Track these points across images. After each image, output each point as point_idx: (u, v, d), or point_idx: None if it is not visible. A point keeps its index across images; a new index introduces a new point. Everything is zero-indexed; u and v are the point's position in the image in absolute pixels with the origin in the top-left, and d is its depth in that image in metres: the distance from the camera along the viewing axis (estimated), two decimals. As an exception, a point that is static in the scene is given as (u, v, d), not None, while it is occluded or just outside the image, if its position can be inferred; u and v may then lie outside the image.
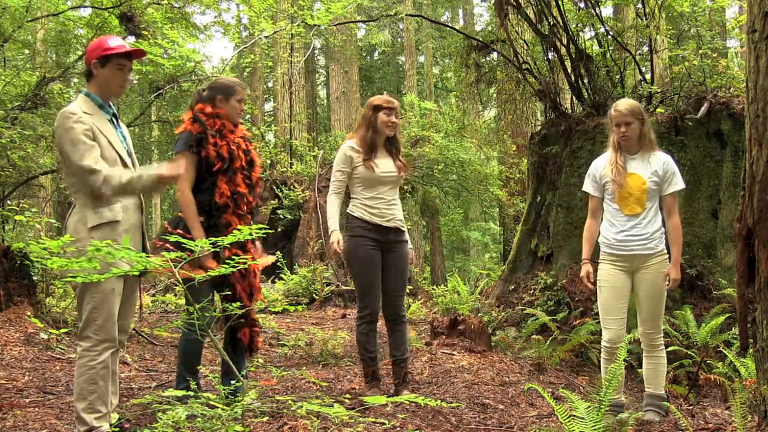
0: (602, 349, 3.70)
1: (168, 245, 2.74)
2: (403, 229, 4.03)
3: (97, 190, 2.69)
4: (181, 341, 3.49)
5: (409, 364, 4.18)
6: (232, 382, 2.80)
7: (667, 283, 3.53)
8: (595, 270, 3.73)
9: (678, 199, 3.72)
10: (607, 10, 10.89)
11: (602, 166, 3.70)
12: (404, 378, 3.97)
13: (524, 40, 8.28)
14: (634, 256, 3.56)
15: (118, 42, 2.92)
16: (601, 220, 3.76)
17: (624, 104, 3.62)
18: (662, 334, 3.68)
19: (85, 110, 2.81)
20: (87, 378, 2.68)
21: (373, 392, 3.84)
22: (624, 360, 3.13)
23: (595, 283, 3.70)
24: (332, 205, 4.04)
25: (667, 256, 3.60)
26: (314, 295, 8.63)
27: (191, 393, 2.57)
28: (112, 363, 2.94)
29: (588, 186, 3.78)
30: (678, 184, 3.63)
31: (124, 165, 2.88)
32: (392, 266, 3.93)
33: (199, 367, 3.29)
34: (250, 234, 2.59)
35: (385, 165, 3.99)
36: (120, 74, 2.90)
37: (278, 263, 8.14)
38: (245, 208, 3.45)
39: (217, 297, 3.49)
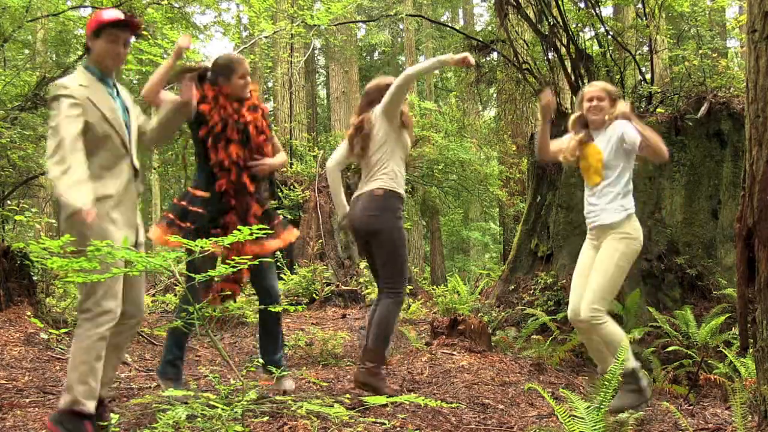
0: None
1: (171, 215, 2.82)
2: None
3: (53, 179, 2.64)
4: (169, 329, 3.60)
5: (388, 356, 3.99)
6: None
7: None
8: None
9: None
10: (607, 10, 10.89)
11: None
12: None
13: (524, 40, 8.29)
14: (596, 227, 3.60)
15: (112, 14, 2.87)
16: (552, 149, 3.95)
17: (600, 82, 3.83)
18: (603, 313, 3.45)
19: (81, 83, 2.77)
20: (82, 348, 2.65)
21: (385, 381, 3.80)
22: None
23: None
24: None
25: (629, 235, 3.51)
26: (314, 295, 8.63)
27: (190, 393, 2.57)
28: (122, 344, 2.95)
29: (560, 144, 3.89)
30: (633, 135, 3.51)
31: (121, 139, 2.83)
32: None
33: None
34: (251, 234, 2.59)
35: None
36: (113, 46, 2.84)
37: (278, 263, 8.14)
38: (242, 178, 3.47)
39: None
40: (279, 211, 10.31)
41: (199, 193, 3.45)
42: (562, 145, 3.87)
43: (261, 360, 3.62)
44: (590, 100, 3.66)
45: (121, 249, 2.43)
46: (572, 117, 3.84)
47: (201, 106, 3.43)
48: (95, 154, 2.76)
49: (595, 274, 3.52)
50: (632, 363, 3.52)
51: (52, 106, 2.71)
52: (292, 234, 3.73)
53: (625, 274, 3.57)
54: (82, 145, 2.67)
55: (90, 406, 2.68)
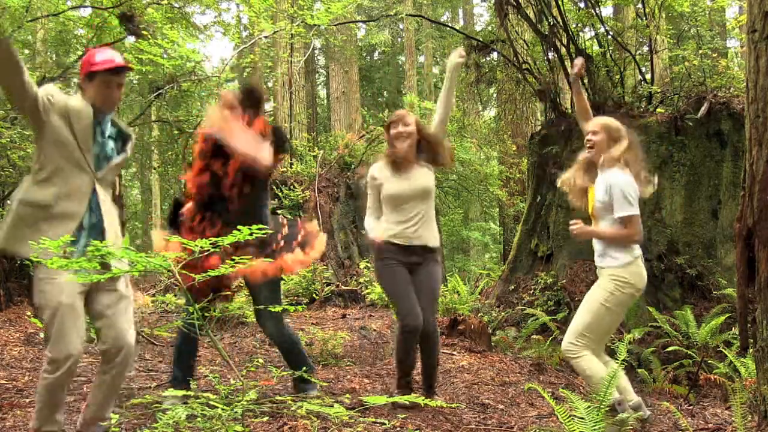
0: None
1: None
2: (431, 247, 3.77)
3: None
4: (178, 339, 3.55)
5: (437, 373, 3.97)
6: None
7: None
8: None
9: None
10: (607, 10, 10.88)
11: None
12: (432, 386, 3.85)
13: (524, 40, 8.29)
14: (598, 268, 3.45)
15: (105, 56, 2.81)
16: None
17: (599, 118, 3.58)
18: (580, 348, 3.27)
19: (71, 100, 2.74)
20: (43, 387, 2.64)
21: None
22: (624, 360, 3.13)
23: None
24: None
25: (624, 279, 3.29)
26: (314, 295, 8.62)
27: (190, 393, 2.57)
28: (116, 381, 2.83)
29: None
30: (620, 209, 3.28)
31: (83, 155, 2.73)
32: (417, 283, 3.72)
33: (196, 366, 3.30)
34: (251, 234, 2.58)
35: (406, 182, 3.74)
36: (107, 90, 2.80)
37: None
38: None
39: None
40: (279, 211, 10.31)
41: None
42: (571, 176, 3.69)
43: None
44: (587, 133, 3.51)
45: (122, 248, 2.43)
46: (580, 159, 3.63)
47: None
48: (52, 157, 2.69)
49: (580, 308, 3.36)
50: (616, 395, 3.26)
51: None
52: (296, 263, 3.55)
53: (616, 318, 3.34)
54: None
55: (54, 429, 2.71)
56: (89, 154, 2.78)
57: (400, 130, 3.71)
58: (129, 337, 2.76)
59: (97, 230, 2.75)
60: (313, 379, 3.58)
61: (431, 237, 3.75)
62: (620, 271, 3.29)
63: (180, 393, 2.93)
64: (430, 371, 3.82)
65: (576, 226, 3.36)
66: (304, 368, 3.55)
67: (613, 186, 3.28)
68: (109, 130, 2.89)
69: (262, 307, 3.45)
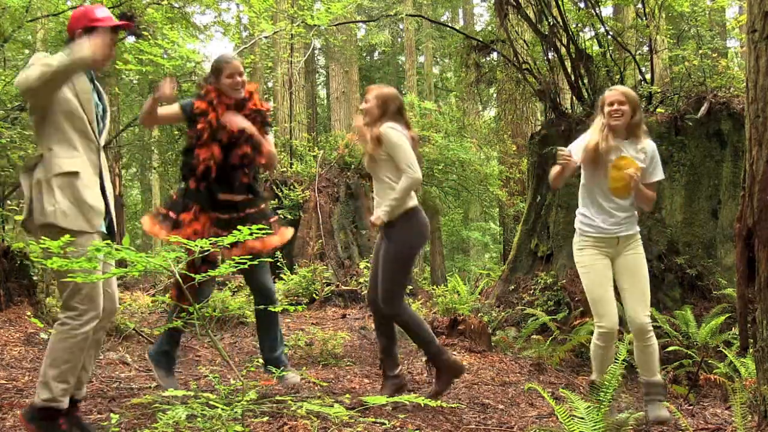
0: (597, 338, 3.51)
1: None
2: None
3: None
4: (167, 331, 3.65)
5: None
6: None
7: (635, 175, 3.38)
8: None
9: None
10: (607, 10, 10.89)
11: (589, 140, 3.56)
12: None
13: (524, 40, 8.29)
14: (618, 238, 3.51)
15: (105, 13, 2.82)
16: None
17: (620, 87, 3.67)
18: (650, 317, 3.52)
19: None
20: (66, 346, 2.62)
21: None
22: (624, 360, 3.13)
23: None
24: None
25: (639, 233, 3.60)
26: (314, 295, 8.62)
27: (190, 393, 2.57)
28: (100, 339, 2.94)
29: (573, 150, 3.60)
30: (659, 173, 3.59)
31: (90, 124, 2.77)
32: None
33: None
34: (251, 234, 2.59)
35: None
36: (104, 48, 2.76)
37: (278, 263, 8.14)
38: (222, 179, 3.52)
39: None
40: (279, 211, 10.31)
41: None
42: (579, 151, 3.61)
43: (261, 359, 3.62)
44: (611, 104, 3.51)
45: (121, 249, 2.43)
46: (597, 123, 3.59)
47: (197, 103, 3.53)
48: (65, 131, 2.70)
49: (640, 281, 3.47)
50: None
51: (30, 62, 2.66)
52: (288, 232, 3.74)
53: None
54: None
55: (65, 403, 2.67)
56: (93, 123, 2.80)
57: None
58: (117, 296, 2.95)
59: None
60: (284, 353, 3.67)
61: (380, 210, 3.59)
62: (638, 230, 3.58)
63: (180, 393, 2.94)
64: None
65: (632, 170, 3.40)
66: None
67: (655, 152, 3.53)
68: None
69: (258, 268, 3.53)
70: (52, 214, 2.62)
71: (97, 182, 2.79)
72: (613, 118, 3.49)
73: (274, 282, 8.96)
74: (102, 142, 2.86)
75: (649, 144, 3.56)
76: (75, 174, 2.68)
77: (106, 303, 2.85)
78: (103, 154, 2.87)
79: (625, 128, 3.52)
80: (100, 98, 2.92)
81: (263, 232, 2.65)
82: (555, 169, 3.60)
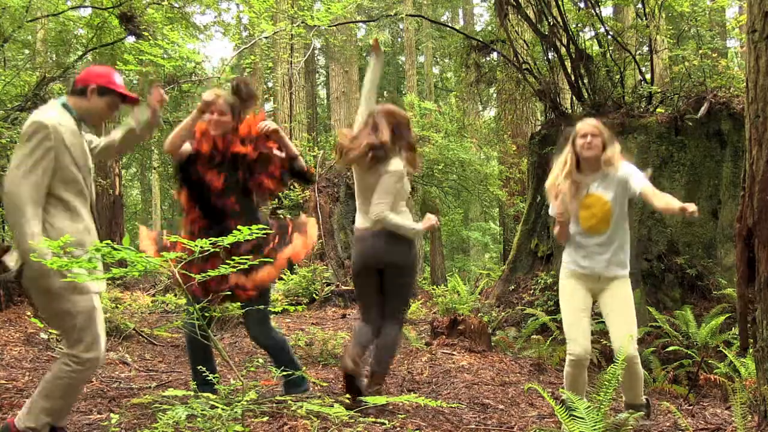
0: (567, 364, 3.48)
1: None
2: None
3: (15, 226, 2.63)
4: (186, 340, 3.56)
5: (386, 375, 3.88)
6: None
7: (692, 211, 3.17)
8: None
9: (677, 198, 3.60)
10: (607, 10, 10.89)
11: (556, 186, 3.49)
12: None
13: (524, 40, 8.29)
14: (598, 276, 3.44)
15: (121, 81, 2.92)
16: None
17: (592, 120, 3.53)
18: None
19: (60, 122, 2.70)
20: (63, 386, 2.65)
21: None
22: (624, 360, 3.12)
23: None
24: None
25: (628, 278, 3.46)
26: (314, 295, 8.63)
27: (190, 393, 2.57)
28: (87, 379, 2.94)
29: (552, 211, 3.57)
30: (643, 181, 3.37)
31: (86, 184, 2.78)
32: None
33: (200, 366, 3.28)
34: (251, 234, 2.58)
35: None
36: (110, 111, 2.87)
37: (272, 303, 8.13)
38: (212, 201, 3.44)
39: None
40: (279, 211, 10.29)
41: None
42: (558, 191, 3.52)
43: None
44: (584, 136, 3.41)
45: (121, 249, 2.43)
46: (562, 158, 3.49)
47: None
48: (63, 197, 2.70)
49: (624, 311, 3.40)
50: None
51: (31, 139, 2.62)
52: (301, 243, 3.51)
53: None
54: (44, 192, 2.64)
55: None
56: (88, 180, 2.82)
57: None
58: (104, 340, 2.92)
59: None
60: (305, 376, 3.54)
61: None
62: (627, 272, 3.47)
63: (180, 393, 2.93)
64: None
65: (693, 207, 3.21)
66: (297, 371, 3.47)
67: (628, 171, 3.38)
68: None
69: (262, 307, 3.43)
70: (50, 278, 2.66)
71: (94, 237, 2.80)
72: (586, 150, 3.40)
73: (274, 282, 8.98)
74: (93, 194, 2.88)
75: (623, 168, 3.39)
76: (81, 243, 2.70)
77: None
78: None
79: (597, 160, 3.42)
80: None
81: (249, 263, 2.64)
82: (556, 229, 3.53)
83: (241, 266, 2.62)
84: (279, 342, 3.55)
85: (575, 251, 3.51)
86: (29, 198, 2.58)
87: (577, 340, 3.42)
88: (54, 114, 2.72)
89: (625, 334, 3.32)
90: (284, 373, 3.30)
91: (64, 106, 2.80)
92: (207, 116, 3.42)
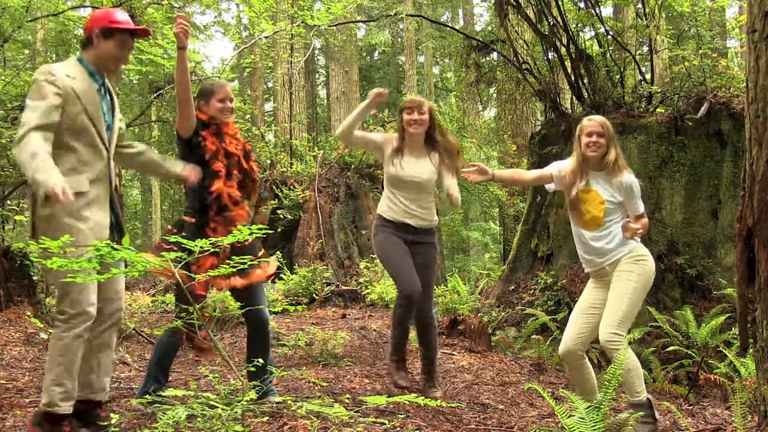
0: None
1: (171, 246, 2.78)
2: (429, 229, 3.95)
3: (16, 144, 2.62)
4: (162, 339, 3.46)
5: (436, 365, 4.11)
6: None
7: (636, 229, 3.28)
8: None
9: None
10: (607, 10, 10.89)
11: (564, 170, 3.56)
12: (432, 377, 4.03)
13: (524, 40, 8.29)
14: (605, 267, 3.43)
15: (125, 17, 2.84)
16: (530, 179, 3.83)
17: (598, 117, 3.55)
18: (622, 338, 3.28)
19: (68, 73, 2.71)
20: (57, 350, 2.65)
21: (399, 374, 3.90)
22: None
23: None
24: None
25: (642, 257, 3.39)
26: (314, 295, 8.62)
27: (190, 393, 2.57)
28: (110, 341, 2.94)
29: (550, 167, 3.64)
30: (639, 208, 3.41)
31: (100, 136, 2.77)
32: (417, 264, 3.86)
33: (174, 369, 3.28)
34: (251, 233, 2.58)
35: (413, 167, 3.87)
36: (120, 50, 2.81)
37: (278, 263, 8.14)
38: (235, 212, 3.39)
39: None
40: (279, 211, 10.29)
41: (188, 219, 3.40)
42: (552, 172, 3.62)
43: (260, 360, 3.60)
44: (589, 135, 3.41)
45: (121, 249, 2.42)
46: (575, 155, 3.52)
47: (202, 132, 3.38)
48: (72, 147, 2.71)
49: (615, 298, 3.32)
50: (646, 393, 3.37)
51: (33, 89, 2.65)
52: (272, 266, 3.57)
53: (640, 302, 3.38)
54: (52, 136, 2.63)
55: (66, 407, 2.68)
56: (103, 132, 2.80)
57: (415, 117, 3.85)
58: (122, 297, 2.98)
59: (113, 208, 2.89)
60: (273, 371, 3.47)
61: (427, 218, 3.93)
62: (639, 249, 3.40)
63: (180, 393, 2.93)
64: (429, 363, 4.02)
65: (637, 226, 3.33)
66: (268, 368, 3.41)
67: (633, 185, 3.39)
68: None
69: (263, 306, 3.45)
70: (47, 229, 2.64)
71: (104, 192, 2.81)
72: (590, 150, 3.41)
73: (274, 282, 9.00)
74: (112, 149, 2.87)
75: (626, 178, 3.39)
76: (81, 194, 2.70)
77: (108, 305, 2.86)
78: (113, 162, 2.88)
79: (600, 160, 3.42)
80: (112, 102, 2.92)
81: (246, 264, 2.64)
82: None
83: (241, 266, 2.63)
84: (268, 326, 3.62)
85: (578, 246, 3.56)
86: (37, 133, 2.58)
87: (564, 339, 3.51)
88: (62, 66, 2.74)
89: (606, 320, 3.31)
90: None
91: (80, 60, 2.81)
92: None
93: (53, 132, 2.65)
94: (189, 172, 3.14)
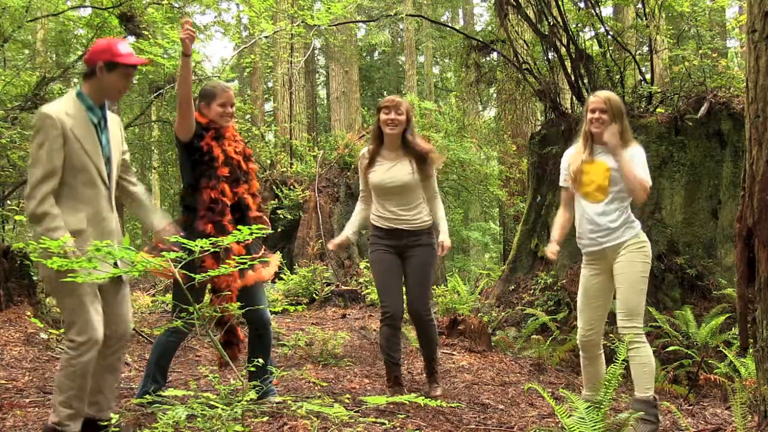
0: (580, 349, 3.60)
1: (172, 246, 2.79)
2: (421, 230, 3.88)
3: (30, 214, 2.67)
4: (161, 339, 3.46)
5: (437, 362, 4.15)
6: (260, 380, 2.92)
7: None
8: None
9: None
10: (607, 10, 10.89)
11: (571, 155, 3.63)
12: (433, 374, 4.06)
13: (524, 40, 8.29)
14: (605, 250, 3.44)
15: (127, 49, 2.85)
16: (566, 209, 3.75)
17: (604, 92, 3.57)
18: (642, 332, 3.35)
19: (67, 111, 2.72)
20: (68, 375, 2.71)
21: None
22: (624, 360, 3.12)
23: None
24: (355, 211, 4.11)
25: (644, 243, 3.41)
26: (314, 295, 8.62)
27: (157, 398, 2.59)
28: (116, 364, 2.99)
29: (562, 179, 3.70)
30: (640, 170, 3.37)
31: (98, 172, 2.78)
32: (409, 267, 3.88)
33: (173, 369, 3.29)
34: (251, 233, 2.58)
35: (392, 172, 3.83)
36: (123, 82, 2.84)
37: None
38: (228, 217, 3.36)
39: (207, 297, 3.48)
40: (279, 211, 10.27)
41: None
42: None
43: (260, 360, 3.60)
44: (593, 111, 3.45)
45: (121, 249, 2.42)
46: (582, 128, 3.57)
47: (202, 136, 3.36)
48: (71, 184, 2.72)
49: (623, 291, 3.34)
50: (653, 392, 3.38)
51: (38, 131, 2.67)
52: (271, 268, 3.57)
53: (647, 285, 3.41)
54: (57, 180, 2.68)
55: (74, 427, 2.75)
56: (102, 170, 2.82)
57: (392, 116, 3.79)
58: (129, 320, 3.01)
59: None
60: (273, 371, 3.45)
61: (419, 220, 3.89)
62: (642, 236, 3.42)
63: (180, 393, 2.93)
64: (429, 361, 4.03)
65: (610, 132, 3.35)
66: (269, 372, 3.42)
67: (635, 155, 3.38)
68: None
69: (263, 306, 3.46)
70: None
71: (106, 230, 2.82)
72: (594, 126, 3.45)
73: (274, 282, 9.00)
74: (113, 185, 2.88)
75: (633, 148, 3.42)
76: (80, 231, 2.72)
77: (114, 329, 2.90)
78: (113, 194, 2.90)
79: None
80: (107, 135, 2.89)
81: (246, 265, 2.65)
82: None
83: (242, 265, 2.63)
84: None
85: (580, 226, 3.56)
86: (44, 186, 2.63)
87: (578, 331, 3.57)
88: (59, 105, 2.75)
89: (621, 316, 3.35)
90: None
91: (79, 95, 2.82)
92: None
93: (59, 175, 2.69)
94: (167, 230, 3.08)
